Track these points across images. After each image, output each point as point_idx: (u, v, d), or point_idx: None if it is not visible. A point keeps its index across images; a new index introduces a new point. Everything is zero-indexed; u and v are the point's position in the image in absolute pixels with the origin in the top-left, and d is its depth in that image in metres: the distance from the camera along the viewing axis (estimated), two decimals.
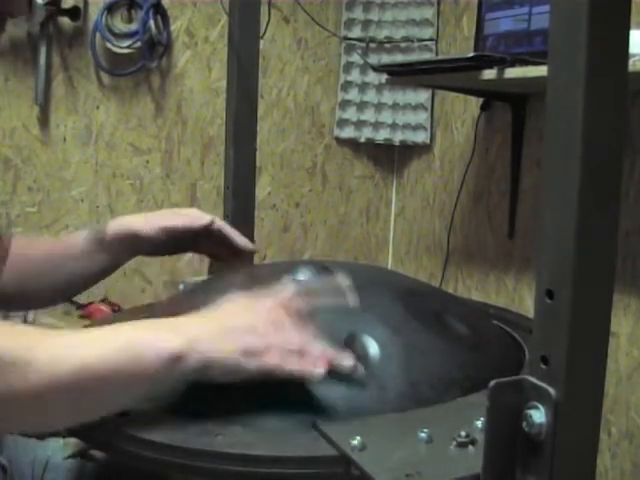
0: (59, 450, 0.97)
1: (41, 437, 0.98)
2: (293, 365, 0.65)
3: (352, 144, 2.43)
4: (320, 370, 0.65)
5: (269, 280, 0.86)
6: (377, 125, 2.38)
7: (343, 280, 0.73)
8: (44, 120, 2.01)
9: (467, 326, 0.82)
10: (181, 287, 1.05)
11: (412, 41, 2.27)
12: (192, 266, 2.13)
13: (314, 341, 0.67)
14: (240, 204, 1.32)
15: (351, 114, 2.37)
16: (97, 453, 0.95)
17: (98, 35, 2.00)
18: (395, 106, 2.34)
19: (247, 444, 0.62)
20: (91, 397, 0.61)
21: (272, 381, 0.65)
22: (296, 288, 0.73)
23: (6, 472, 0.92)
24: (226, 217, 1.33)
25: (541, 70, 1.47)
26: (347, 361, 0.67)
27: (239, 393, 0.68)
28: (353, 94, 2.37)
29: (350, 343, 0.73)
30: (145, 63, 2.04)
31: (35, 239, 1.10)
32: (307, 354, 0.66)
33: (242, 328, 0.66)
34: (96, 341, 0.62)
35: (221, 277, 0.99)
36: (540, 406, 0.48)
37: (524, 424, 0.48)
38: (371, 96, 2.36)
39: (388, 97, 2.34)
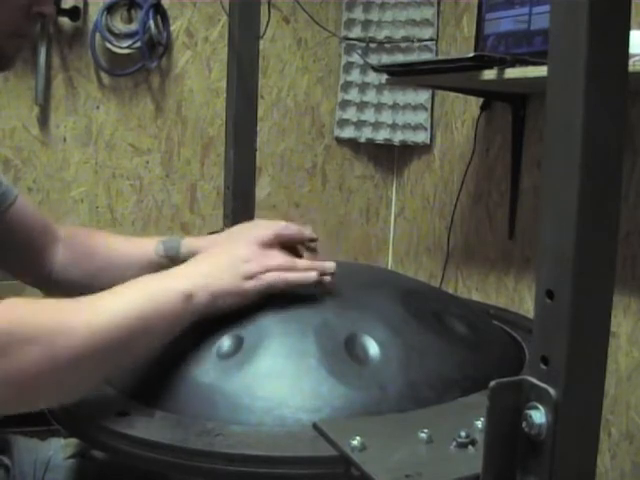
0: (60, 450, 0.97)
1: (43, 437, 0.98)
2: (289, 276, 0.77)
3: (352, 144, 2.43)
4: (313, 274, 0.77)
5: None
6: (377, 125, 2.38)
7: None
8: (44, 120, 2.01)
9: (467, 326, 0.82)
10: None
11: (412, 41, 2.27)
12: None
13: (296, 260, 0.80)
14: (240, 204, 1.32)
15: (351, 114, 2.37)
16: (98, 453, 0.95)
17: (98, 35, 2.00)
18: (395, 106, 2.34)
19: (247, 444, 0.62)
20: (123, 347, 0.68)
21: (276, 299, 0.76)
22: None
23: (8, 472, 0.92)
24: (226, 217, 1.33)
25: (541, 70, 1.47)
26: (330, 265, 0.79)
27: (240, 393, 0.68)
28: (353, 94, 2.37)
29: (350, 343, 0.74)
30: (145, 63, 2.04)
31: (105, 234, 1.14)
32: (298, 267, 0.79)
33: (236, 259, 0.77)
34: (119, 297, 0.71)
35: None
36: (540, 406, 0.48)
37: (524, 424, 0.48)
38: (371, 96, 2.36)
39: (388, 97, 2.34)
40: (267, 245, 0.81)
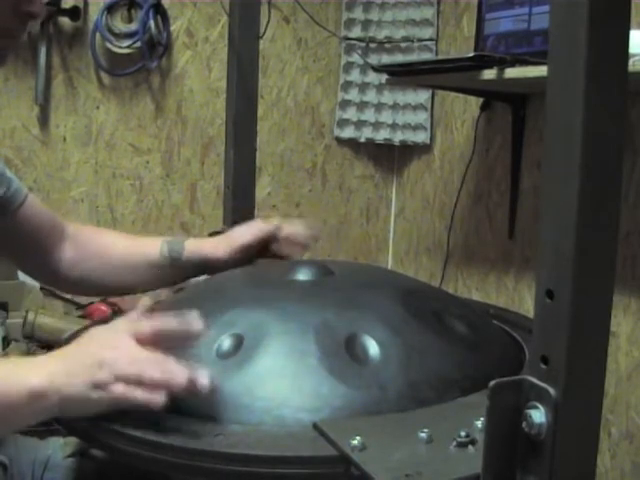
0: (59, 449, 0.97)
1: (42, 436, 0.98)
2: (136, 396, 0.66)
3: (352, 144, 2.43)
4: (160, 399, 0.65)
5: (272, 281, 0.86)
6: (377, 125, 2.37)
7: (190, 313, 0.72)
8: (44, 120, 2.01)
9: (467, 326, 0.82)
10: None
11: (412, 41, 2.27)
12: None
13: (158, 361, 0.68)
14: (240, 204, 1.32)
15: (351, 114, 2.37)
16: (97, 452, 0.95)
17: (98, 35, 2.00)
18: (395, 106, 2.34)
19: (247, 444, 0.62)
20: None
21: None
22: (146, 312, 0.75)
23: (7, 471, 0.92)
24: (226, 217, 1.33)
25: (541, 70, 1.47)
26: (180, 379, 0.66)
27: (240, 393, 0.68)
28: (353, 94, 2.37)
29: (350, 343, 0.74)
30: (145, 63, 2.04)
31: (111, 234, 1.17)
32: (146, 381, 0.66)
33: (92, 362, 0.68)
34: None
35: (222, 277, 0.99)
36: (540, 406, 0.48)
37: (524, 424, 0.48)
38: (371, 96, 2.36)
39: (388, 97, 2.34)
40: (144, 339, 0.70)
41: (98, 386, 0.66)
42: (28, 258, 1.07)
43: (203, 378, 0.66)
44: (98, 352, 0.69)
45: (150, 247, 1.07)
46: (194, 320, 0.71)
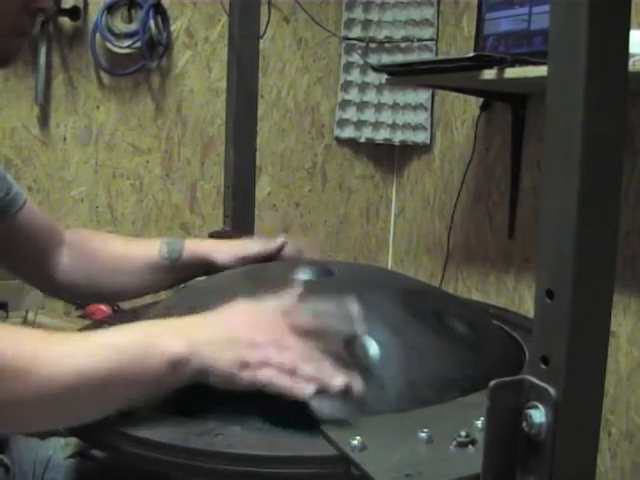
0: (60, 449, 0.97)
1: (42, 436, 0.98)
2: (284, 382, 0.65)
3: (352, 144, 2.43)
4: (309, 390, 0.64)
5: (272, 281, 0.86)
6: (377, 125, 2.38)
7: (353, 306, 0.71)
8: (44, 120, 2.01)
9: (467, 326, 0.82)
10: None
11: (412, 41, 2.27)
12: None
13: (312, 358, 0.67)
14: (240, 204, 1.32)
15: (351, 114, 2.37)
16: (98, 453, 0.95)
17: (98, 35, 2.00)
18: (395, 106, 2.34)
19: (247, 444, 0.62)
20: (91, 402, 0.63)
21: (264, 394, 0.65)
22: (301, 297, 0.72)
23: (8, 471, 0.92)
24: (226, 217, 1.33)
25: (541, 70, 1.47)
26: (337, 382, 0.64)
27: (240, 393, 0.68)
28: (353, 94, 2.37)
29: (350, 343, 0.73)
30: (145, 63, 2.04)
31: (108, 237, 1.16)
32: (299, 373, 0.65)
33: (243, 341, 0.66)
34: (99, 348, 0.64)
35: (222, 276, 0.99)
36: (540, 406, 0.48)
37: (524, 424, 0.48)
38: (371, 96, 2.36)
39: (388, 97, 2.34)
40: (296, 328, 0.68)
41: (245, 365, 0.65)
42: (25, 263, 1.05)
43: (358, 384, 0.65)
44: (249, 331, 0.67)
45: (149, 248, 1.06)
46: (358, 323, 0.69)
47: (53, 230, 1.06)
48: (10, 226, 0.99)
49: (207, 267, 1.04)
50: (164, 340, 0.65)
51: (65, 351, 0.62)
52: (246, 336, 0.67)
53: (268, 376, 0.65)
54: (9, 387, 0.58)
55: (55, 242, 1.05)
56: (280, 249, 1.06)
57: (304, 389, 0.64)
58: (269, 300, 0.71)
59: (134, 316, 0.97)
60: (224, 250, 1.05)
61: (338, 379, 0.64)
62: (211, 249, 1.06)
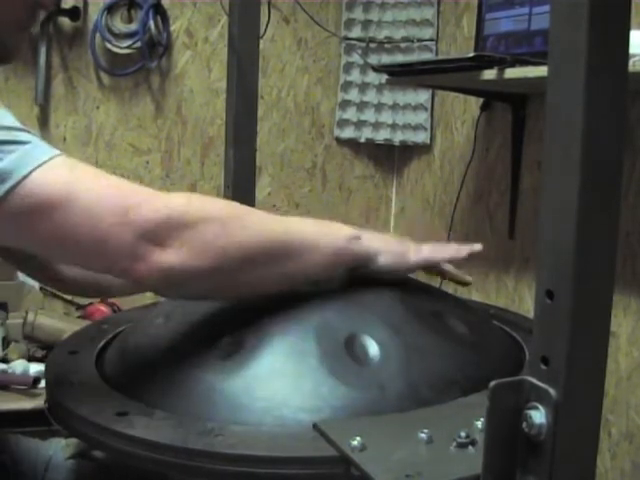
0: (61, 450, 0.97)
1: (43, 437, 0.99)
2: (443, 252, 0.87)
3: (352, 144, 2.43)
4: (464, 250, 0.87)
5: None
6: (377, 125, 2.37)
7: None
8: (44, 120, 2.01)
9: (467, 326, 0.82)
10: None
11: (412, 41, 2.27)
12: None
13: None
14: (240, 204, 1.32)
15: (351, 114, 2.37)
16: (98, 453, 0.95)
17: (98, 35, 2.00)
18: (395, 106, 2.34)
19: (247, 444, 0.62)
20: (285, 263, 0.72)
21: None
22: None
23: (9, 471, 0.92)
24: None
25: (541, 70, 1.47)
26: (478, 247, 0.88)
27: (240, 393, 0.68)
28: (353, 94, 2.37)
29: (350, 343, 0.74)
30: (145, 63, 2.04)
31: None
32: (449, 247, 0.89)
33: (397, 236, 0.87)
34: (291, 218, 0.79)
35: None
36: (540, 406, 0.48)
37: (524, 424, 0.48)
38: (371, 96, 2.36)
39: (388, 97, 2.34)
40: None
41: (411, 248, 0.83)
42: (25, 258, 1.06)
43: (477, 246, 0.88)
44: (402, 240, 0.85)
45: None
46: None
47: None
48: None
49: None
50: (339, 225, 0.79)
51: (274, 216, 0.76)
52: (402, 241, 0.85)
53: (429, 251, 0.84)
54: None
55: None
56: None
57: (460, 250, 0.87)
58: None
59: (133, 317, 0.97)
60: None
61: (478, 245, 0.88)
62: None
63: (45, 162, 0.66)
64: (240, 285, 0.72)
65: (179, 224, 0.67)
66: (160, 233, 0.66)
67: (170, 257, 0.66)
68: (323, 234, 0.76)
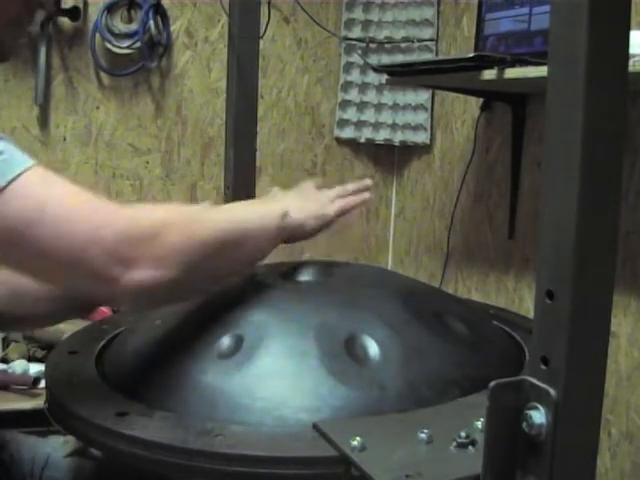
0: (59, 448, 0.97)
1: (42, 434, 0.98)
2: (351, 200, 0.95)
3: (352, 144, 2.43)
4: (365, 194, 1.00)
5: (271, 279, 0.86)
6: (377, 125, 2.37)
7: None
8: (44, 120, 2.01)
9: (467, 326, 0.82)
10: None
11: (412, 41, 2.27)
12: None
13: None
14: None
15: (351, 114, 2.37)
16: (96, 452, 0.95)
17: (98, 35, 2.00)
18: (395, 106, 2.34)
19: (247, 444, 0.62)
20: (239, 249, 0.77)
21: None
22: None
23: (7, 469, 0.92)
24: None
25: (541, 70, 1.47)
26: (368, 182, 1.02)
27: (240, 393, 0.68)
28: (353, 94, 2.36)
29: (350, 343, 0.74)
30: (145, 63, 2.04)
31: None
32: (350, 191, 0.98)
33: (313, 191, 0.95)
34: (231, 208, 0.88)
35: None
36: (540, 406, 0.48)
37: (524, 424, 0.48)
38: (371, 96, 2.36)
39: (388, 97, 2.34)
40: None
41: (327, 204, 0.92)
42: None
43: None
44: (308, 189, 0.95)
45: None
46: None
47: None
48: None
49: None
50: (266, 204, 0.88)
51: (217, 209, 0.84)
52: (311, 189, 0.95)
53: (341, 203, 0.94)
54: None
55: None
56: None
57: (363, 196, 0.99)
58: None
59: (133, 318, 0.97)
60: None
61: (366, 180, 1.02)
62: None
63: (19, 175, 0.65)
64: (206, 280, 0.76)
65: (143, 238, 0.70)
66: (128, 252, 0.68)
67: (140, 274, 0.67)
68: (262, 216, 0.82)
